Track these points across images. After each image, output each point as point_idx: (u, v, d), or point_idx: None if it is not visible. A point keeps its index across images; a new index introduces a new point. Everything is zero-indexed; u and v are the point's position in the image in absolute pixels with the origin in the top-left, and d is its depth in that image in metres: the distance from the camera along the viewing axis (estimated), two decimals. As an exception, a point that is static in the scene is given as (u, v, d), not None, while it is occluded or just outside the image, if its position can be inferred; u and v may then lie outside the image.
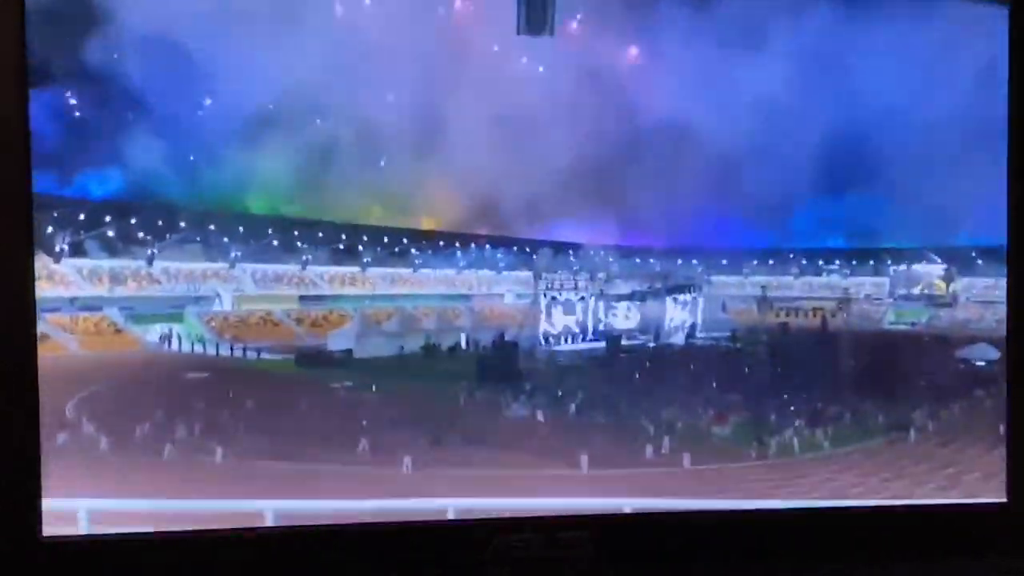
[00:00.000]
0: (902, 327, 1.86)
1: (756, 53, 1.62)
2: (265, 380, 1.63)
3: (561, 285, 1.79)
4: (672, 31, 1.64)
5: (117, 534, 1.46)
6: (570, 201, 1.74)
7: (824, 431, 1.70)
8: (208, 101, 1.52)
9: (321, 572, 1.48)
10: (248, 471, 1.55)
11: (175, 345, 1.65)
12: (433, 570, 1.48)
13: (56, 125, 1.49)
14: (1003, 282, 1.82)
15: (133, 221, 1.58)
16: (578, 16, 1.61)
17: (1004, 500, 1.61)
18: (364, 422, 1.58)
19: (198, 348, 1.65)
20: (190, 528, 1.48)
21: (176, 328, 1.65)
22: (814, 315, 1.84)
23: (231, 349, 1.65)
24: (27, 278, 1.34)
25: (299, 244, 1.68)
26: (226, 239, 1.65)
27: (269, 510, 1.44)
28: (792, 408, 1.72)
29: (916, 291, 1.85)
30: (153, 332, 1.63)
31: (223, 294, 1.67)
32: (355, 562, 1.47)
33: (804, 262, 1.82)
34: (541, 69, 1.63)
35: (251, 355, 1.65)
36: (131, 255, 1.58)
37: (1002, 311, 1.81)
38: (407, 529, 1.52)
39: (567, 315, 1.81)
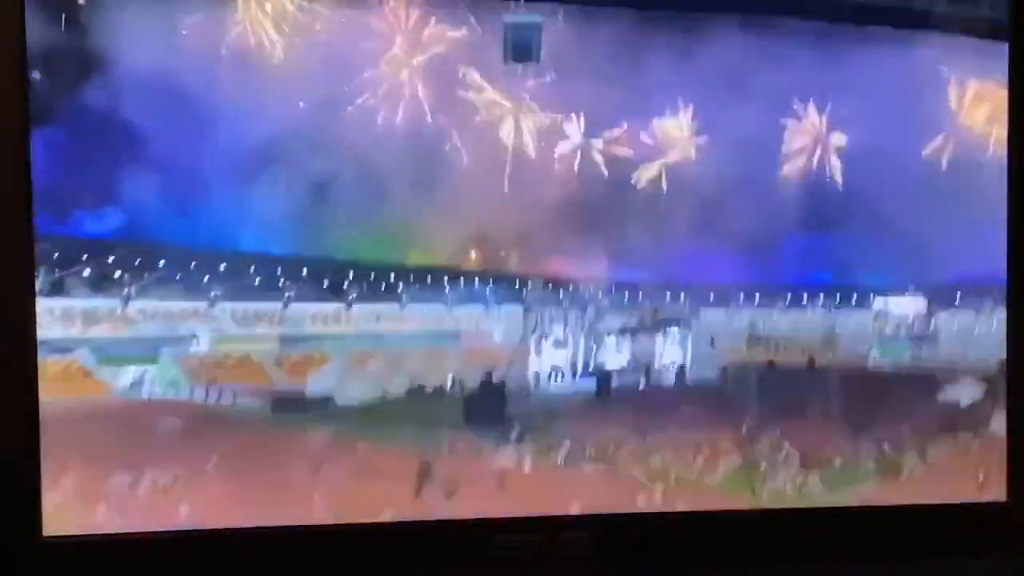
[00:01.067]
0: (887, 364, 1.88)
1: (738, 94, 1.67)
2: (239, 427, 1.55)
3: (551, 320, 1.77)
4: (657, 73, 1.69)
5: (117, 534, 1.43)
6: (560, 237, 1.74)
7: (816, 475, 1.69)
8: (201, 139, 1.50)
9: (321, 572, 1.47)
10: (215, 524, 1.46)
11: (147, 390, 1.57)
12: (433, 570, 1.47)
13: (48, 162, 1.45)
14: (983, 318, 1.87)
15: (111, 259, 1.52)
16: (562, 53, 1.65)
17: (1004, 500, 1.65)
18: (342, 472, 1.51)
19: (170, 392, 1.57)
20: (190, 528, 1.47)
21: (150, 370, 1.57)
22: (801, 352, 1.86)
23: (206, 393, 1.57)
24: (26, 277, 1.37)
25: (282, 281, 1.63)
26: (207, 277, 1.60)
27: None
28: (784, 453, 1.72)
29: (900, 328, 1.88)
30: (123, 377, 1.55)
31: (200, 335, 1.61)
32: (355, 562, 1.46)
33: (790, 297, 1.85)
34: (529, 101, 1.65)
35: (226, 399, 1.58)
36: (107, 294, 1.51)
37: (986, 347, 1.85)
38: (407, 529, 1.50)
39: (557, 350, 1.79)
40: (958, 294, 1.84)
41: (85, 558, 1.40)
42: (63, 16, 1.45)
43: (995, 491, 1.66)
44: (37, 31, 1.43)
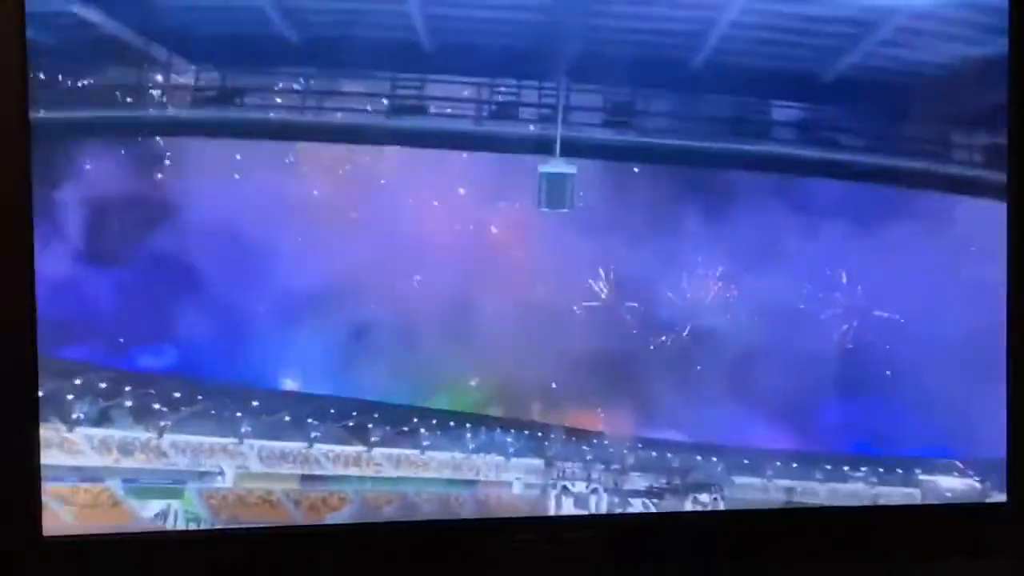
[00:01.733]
0: (939, 544, 1.74)
1: (771, 260, 1.67)
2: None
3: (574, 474, 1.73)
4: (686, 235, 1.72)
5: (118, 534, 1.44)
6: (586, 390, 1.73)
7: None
8: (250, 281, 1.60)
9: (321, 572, 1.47)
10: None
11: (170, 522, 1.60)
12: (433, 570, 1.47)
13: (106, 299, 1.54)
14: None
15: (151, 391, 1.60)
16: (594, 203, 1.70)
17: (1004, 500, 1.62)
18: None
19: (192, 526, 1.60)
20: (191, 528, 1.49)
21: (174, 504, 1.61)
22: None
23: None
24: (26, 273, 1.38)
25: (309, 420, 1.68)
26: (239, 414, 1.66)
27: None
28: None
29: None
30: (150, 508, 1.59)
31: (227, 470, 1.64)
32: (355, 562, 1.46)
33: (829, 468, 1.75)
34: (559, 254, 1.70)
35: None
36: (143, 427, 1.59)
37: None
38: (407, 529, 1.51)
39: (578, 509, 1.73)
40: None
41: (85, 558, 1.40)
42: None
43: (995, 491, 1.64)
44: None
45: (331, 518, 1.64)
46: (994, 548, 1.59)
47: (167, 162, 1.60)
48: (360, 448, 1.70)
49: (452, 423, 1.72)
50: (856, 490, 1.71)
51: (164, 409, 1.61)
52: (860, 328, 1.70)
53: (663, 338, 1.72)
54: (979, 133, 1.74)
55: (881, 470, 1.71)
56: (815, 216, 1.70)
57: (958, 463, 1.72)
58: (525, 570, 1.49)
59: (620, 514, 1.62)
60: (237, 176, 1.65)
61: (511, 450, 1.71)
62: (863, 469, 1.71)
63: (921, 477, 1.71)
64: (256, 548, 1.47)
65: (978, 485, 1.69)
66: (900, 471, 1.72)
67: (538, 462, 1.70)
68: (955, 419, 1.70)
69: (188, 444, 1.62)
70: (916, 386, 1.68)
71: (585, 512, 1.69)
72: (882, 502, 1.70)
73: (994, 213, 1.72)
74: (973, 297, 1.71)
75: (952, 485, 1.70)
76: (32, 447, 1.40)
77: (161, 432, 1.62)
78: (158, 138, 1.60)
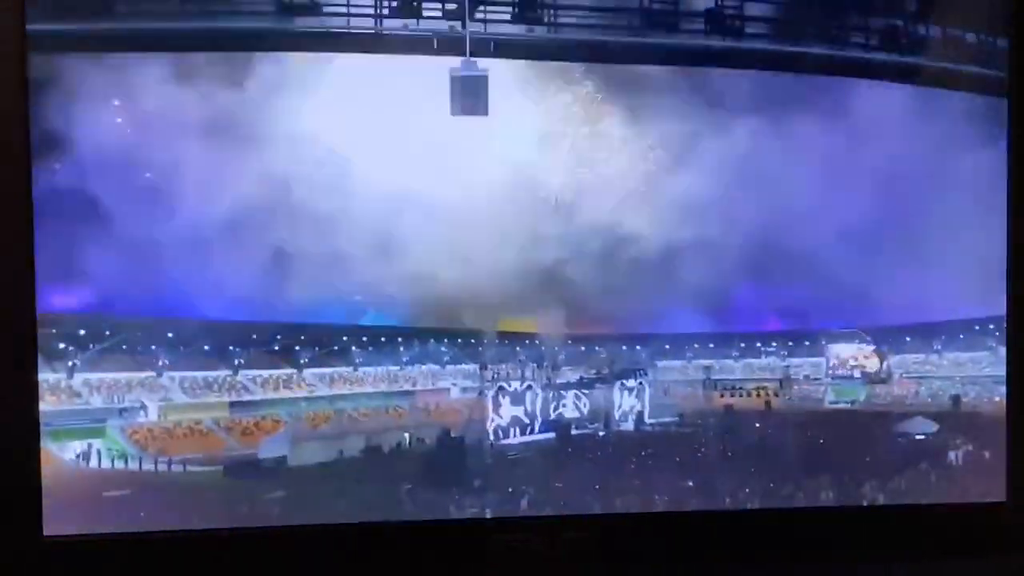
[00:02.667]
0: (842, 405, 1.90)
1: (691, 160, 1.70)
2: (191, 494, 1.52)
3: (508, 375, 1.77)
4: (603, 135, 1.70)
5: (117, 534, 1.44)
6: (514, 294, 1.74)
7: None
8: (153, 211, 1.48)
9: (321, 572, 1.46)
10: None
11: (93, 462, 1.53)
12: (433, 570, 1.47)
13: None
14: (932, 357, 1.90)
15: (53, 331, 1.48)
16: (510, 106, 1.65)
17: (1004, 500, 1.64)
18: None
19: (119, 464, 1.54)
20: (191, 528, 1.48)
21: (96, 443, 1.53)
22: (757, 395, 1.87)
23: (155, 464, 1.54)
24: (26, 272, 1.37)
25: (231, 348, 1.61)
26: (154, 347, 1.58)
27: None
28: (746, 490, 1.72)
29: (853, 371, 1.91)
30: (70, 449, 1.52)
31: (149, 404, 1.58)
32: (355, 562, 1.47)
33: (743, 345, 1.87)
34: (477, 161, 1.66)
35: (176, 468, 1.55)
36: (51, 368, 1.49)
37: (935, 385, 1.89)
38: (406, 529, 1.51)
39: (515, 407, 1.78)
40: (906, 338, 1.87)
41: (85, 558, 1.40)
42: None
43: (995, 491, 1.66)
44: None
45: (266, 441, 1.62)
46: (994, 548, 1.60)
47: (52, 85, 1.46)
48: (289, 370, 1.67)
49: (383, 338, 1.71)
50: (769, 363, 1.84)
51: (71, 348, 1.51)
52: (766, 216, 1.78)
53: (584, 238, 1.74)
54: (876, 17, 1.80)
55: (791, 343, 1.85)
56: (727, 110, 1.72)
57: (860, 332, 1.87)
58: (524, 570, 1.49)
59: (620, 514, 1.64)
60: (126, 100, 1.51)
61: (445, 358, 1.73)
62: (774, 344, 1.84)
63: (827, 346, 1.86)
64: (255, 547, 1.45)
65: (871, 348, 1.87)
66: (807, 343, 1.86)
67: (472, 367, 1.73)
68: (856, 294, 1.83)
69: (102, 382, 1.54)
70: (823, 267, 1.79)
71: (521, 409, 1.75)
72: (792, 373, 1.85)
73: (892, 95, 1.80)
74: (871, 181, 1.77)
75: (853, 352, 1.86)
76: (32, 447, 1.39)
77: (71, 372, 1.52)
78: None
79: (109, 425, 1.54)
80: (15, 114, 1.40)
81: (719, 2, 1.72)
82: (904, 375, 1.87)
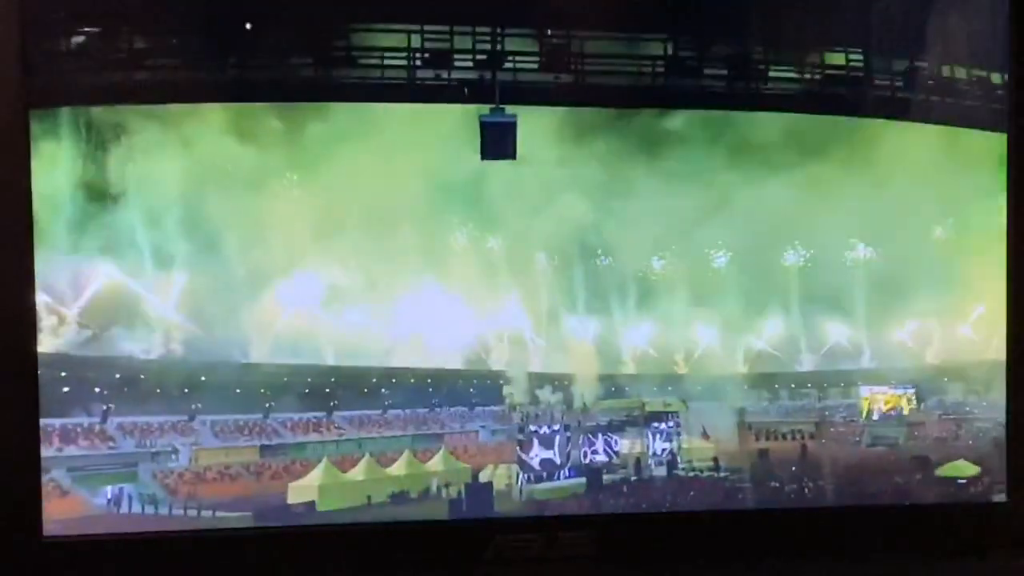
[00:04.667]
0: (880, 448, 1.84)
1: (720, 204, 1.69)
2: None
3: (537, 417, 1.73)
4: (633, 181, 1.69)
5: (118, 534, 1.44)
6: (544, 334, 1.72)
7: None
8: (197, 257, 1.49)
9: (321, 572, 1.45)
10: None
11: (124, 507, 1.51)
12: (433, 570, 1.46)
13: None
14: (972, 399, 1.84)
15: (90, 375, 1.48)
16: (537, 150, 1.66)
17: (1004, 500, 1.63)
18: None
19: (149, 509, 1.51)
20: (191, 528, 1.47)
21: (127, 488, 1.51)
22: (792, 439, 1.81)
23: (184, 510, 1.50)
24: (28, 271, 1.36)
25: (262, 391, 1.60)
26: (187, 390, 1.59)
27: None
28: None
29: (890, 412, 1.84)
30: (102, 494, 1.50)
31: (180, 448, 1.56)
32: (355, 561, 1.45)
33: (777, 386, 1.82)
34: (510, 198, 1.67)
35: (206, 514, 1.54)
36: (86, 412, 1.47)
37: (975, 427, 1.82)
38: (407, 528, 1.51)
39: (544, 449, 1.74)
40: (943, 379, 1.81)
41: (85, 558, 1.39)
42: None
43: (995, 491, 1.66)
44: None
45: (295, 485, 1.59)
46: (994, 548, 1.59)
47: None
48: (320, 413, 1.65)
49: (412, 379, 1.69)
50: (804, 405, 1.78)
51: (106, 392, 1.51)
52: (798, 258, 1.74)
53: (615, 280, 1.71)
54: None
55: (826, 385, 1.79)
56: (754, 156, 1.71)
57: (896, 372, 1.78)
58: (524, 570, 1.48)
59: (619, 514, 1.63)
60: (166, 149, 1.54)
61: (474, 400, 1.70)
62: (809, 385, 1.79)
63: (863, 389, 1.81)
64: (254, 547, 1.45)
65: (912, 390, 1.81)
66: (843, 385, 1.81)
67: (501, 408, 1.70)
68: (893, 334, 1.77)
69: (135, 425, 1.53)
70: (861, 307, 1.75)
71: (551, 453, 1.70)
72: (827, 415, 1.79)
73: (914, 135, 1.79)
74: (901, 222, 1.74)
75: (892, 392, 1.80)
76: (32, 448, 1.38)
77: (105, 416, 1.51)
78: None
79: (140, 469, 1.52)
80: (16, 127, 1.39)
81: (741, 49, 1.74)
82: (943, 416, 1.81)
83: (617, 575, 1.53)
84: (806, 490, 1.74)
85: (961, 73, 1.74)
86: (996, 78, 1.71)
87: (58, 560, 1.39)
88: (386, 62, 1.64)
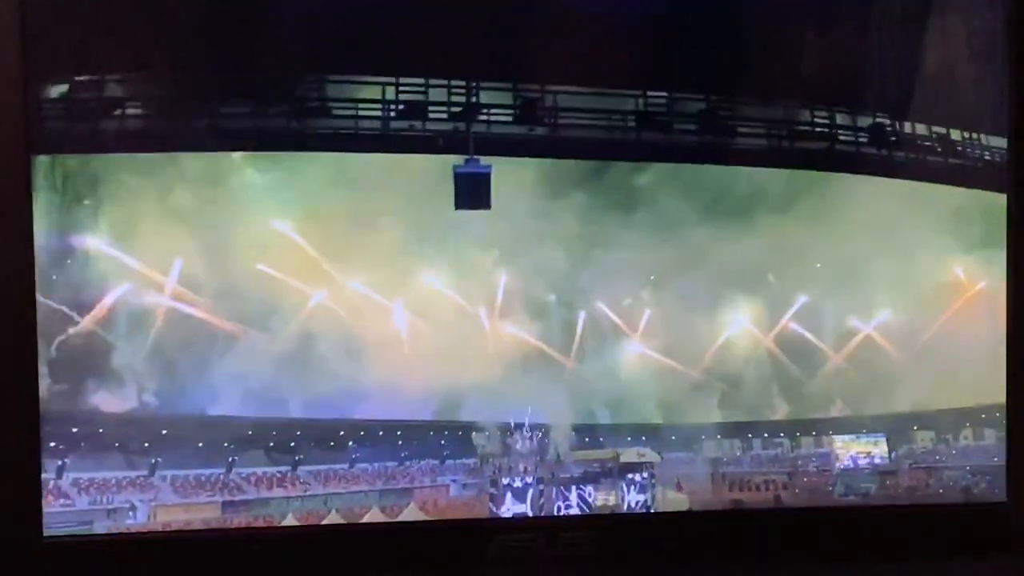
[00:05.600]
0: (852, 498, 1.83)
1: (692, 256, 1.70)
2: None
3: (509, 470, 1.70)
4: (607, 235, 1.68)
5: (118, 534, 1.44)
6: (515, 386, 1.70)
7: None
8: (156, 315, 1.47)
9: (321, 571, 1.45)
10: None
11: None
12: (433, 570, 1.46)
13: None
14: (941, 447, 1.85)
15: (47, 429, 1.42)
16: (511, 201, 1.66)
17: (1004, 500, 1.63)
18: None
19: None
20: (190, 528, 1.47)
21: (84, 543, 1.44)
22: (765, 489, 1.80)
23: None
24: (27, 267, 1.36)
25: (225, 445, 1.55)
26: (147, 444, 1.52)
27: None
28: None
29: (862, 462, 1.84)
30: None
31: (139, 505, 1.49)
32: (355, 561, 1.45)
33: (750, 436, 1.81)
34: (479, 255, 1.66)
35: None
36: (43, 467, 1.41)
37: (944, 476, 1.83)
38: (407, 529, 1.52)
39: (517, 503, 1.70)
40: (914, 428, 1.82)
41: (85, 558, 1.39)
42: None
43: (995, 491, 1.65)
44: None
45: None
46: (994, 548, 1.59)
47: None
48: (284, 468, 1.59)
49: (381, 432, 1.65)
50: (777, 455, 1.77)
51: (62, 447, 1.45)
52: (768, 308, 1.75)
53: (587, 332, 1.71)
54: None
55: (798, 434, 1.79)
56: (725, 208, 1.71)
57: (867, 421, 1.78)
58: (524, 570, 1.48)
59: (620, 514, 1.63)
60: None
61: (445, 453, 1.66)
62: (781, 434, 1.78)
63: (834, 436, 1.81)
64: (254, 548, 1.45)
65: (884, 439, 1.81)
66: (814, 433, 1.81)
67: (472, 461, 1.66)
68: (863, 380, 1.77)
69: (92, 481, 1.46)
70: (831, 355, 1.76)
71: (523, 507, 1.66)
72: (800, 465, 1.78)
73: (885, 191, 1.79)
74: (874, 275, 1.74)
75: (862, 441, 1.81)
76: (32, 448, 1.37)
77: (60, 472, 1.45)
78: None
79: (96, 528, 1.45)
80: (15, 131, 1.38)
81: (711, 105, 1.78)
82: (913, 466, 1.81)
83: (617, 575, 1.53)
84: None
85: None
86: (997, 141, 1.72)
87: (58, 560, 1.39)
88: (360, 112, 1.64)
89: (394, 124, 1.65)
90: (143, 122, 1.53)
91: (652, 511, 1.72)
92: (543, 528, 1.52)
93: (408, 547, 1.48)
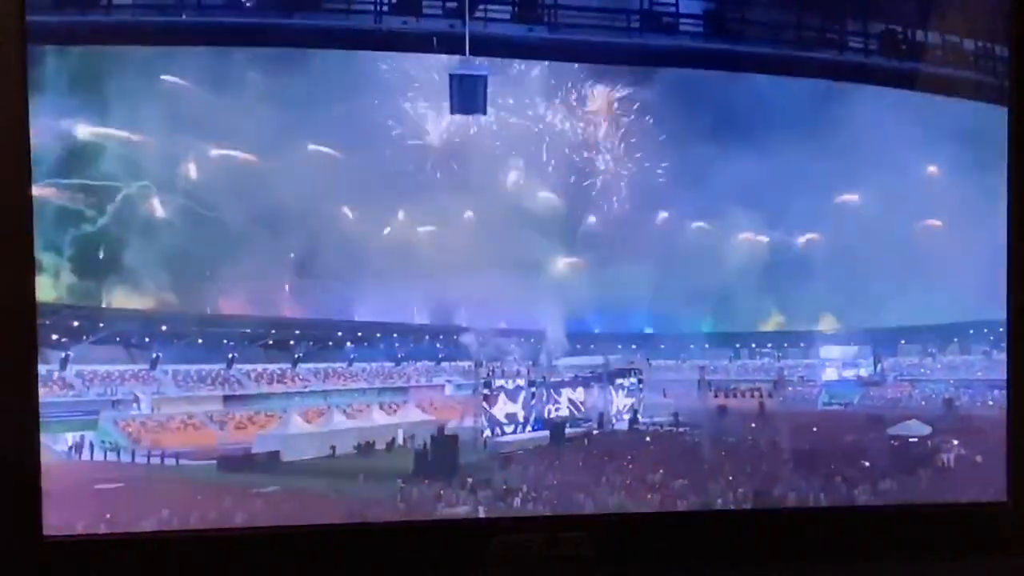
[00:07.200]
0: (835, 407, 1.86)
1: (692, 166, 1.66)
2: (184, 488, 1.48)
3: (503, 373, 1.73)
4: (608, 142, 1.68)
5: (117, 534, 1.43)
6: (511, 289, 1.69)
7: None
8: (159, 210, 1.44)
9: (321, 572, 1.46)
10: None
11: (86, 454, 1.49)
12: (433, 570, 1.46)
13: None
14: (927, 361, 1.85)
15: (47, 322, 1.44)
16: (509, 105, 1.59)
17: (1004, 500, 1.62)
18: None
19: (111, 456, 1.50)
20: (190, 528, 1.46)
21: (88, 435, 1.49)
22: (751, 396, 1.83)
23: (148, 457, 1.53)
24: (27, 272, 1.34)
25: (225, 341, 1.57)
26: (147, 339, 1.55)
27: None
28: (739, 491, 1.69)
29: (847, 373, 1.87)
30: (62, 441, 1.48)
31: (142, 397, 1.53)
32: (355, 561, 1.45)
33: (738, 346, 1.82)
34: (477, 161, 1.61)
35: (169, 462, 1.54)
36: (44, 359, 1.44)
37: (929, 389, 1.85)
38: (407, 528, 1.49)
39: (509, 404, 1.74)
40: (901, 341, 1.83)
41: (85, 558, 1.37)
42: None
43: (995, 491, 1.62)
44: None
45: (260, 435, 1.58)
46: (994, 548, 1.57)
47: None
48: (284, 365, 1.62)
49: (378, 334, 1.66)
50: (763, 364, 1.79)
51: (65, 340, 1.47)
52: (760, 218, 1.73)
53: (583, 239, 1.69)
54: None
55: (786, 345, 1.80)
56: (728, 117, 1.67)
57: (855, 334, 1.81)
58: (523, 570, 1.46)
59: (620, 514, 1.61)
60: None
61: (440, 355, 1.68)
62: (769, 345, 1.80)
63: (822, 349, 1.82)
64: (255, 547, 1.42)
65: (870, 351, 1.82)
66: (803, 345, 1.82)
67: (467, 364, 1.68)
68: (853, 296, 1.78)
69: (95, 373, 1.49)
70: (821, 269, 1.74)
71: (516, 407, 1.70)
72: (786, 375, 1.80)
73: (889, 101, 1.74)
74: (867, 187, 1.70)
75: (849, 352, 1.81)
76: (32, 449, 1.34)
77: (64, 364, 1.48)
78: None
79: (102, 417, 1.49)
80: (15, 118, 1.35)
81: (717, 5, 1.68)
82: (898, 378, 1.83)
83: (617, 575, 1.52)
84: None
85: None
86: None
87: (58, 560, 1.38)
88: (353, 7, 1.56)
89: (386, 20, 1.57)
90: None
91: (639, 417, 1.76)
92: (543, 528, 1.50)
93: (408, 547, 1.46)
